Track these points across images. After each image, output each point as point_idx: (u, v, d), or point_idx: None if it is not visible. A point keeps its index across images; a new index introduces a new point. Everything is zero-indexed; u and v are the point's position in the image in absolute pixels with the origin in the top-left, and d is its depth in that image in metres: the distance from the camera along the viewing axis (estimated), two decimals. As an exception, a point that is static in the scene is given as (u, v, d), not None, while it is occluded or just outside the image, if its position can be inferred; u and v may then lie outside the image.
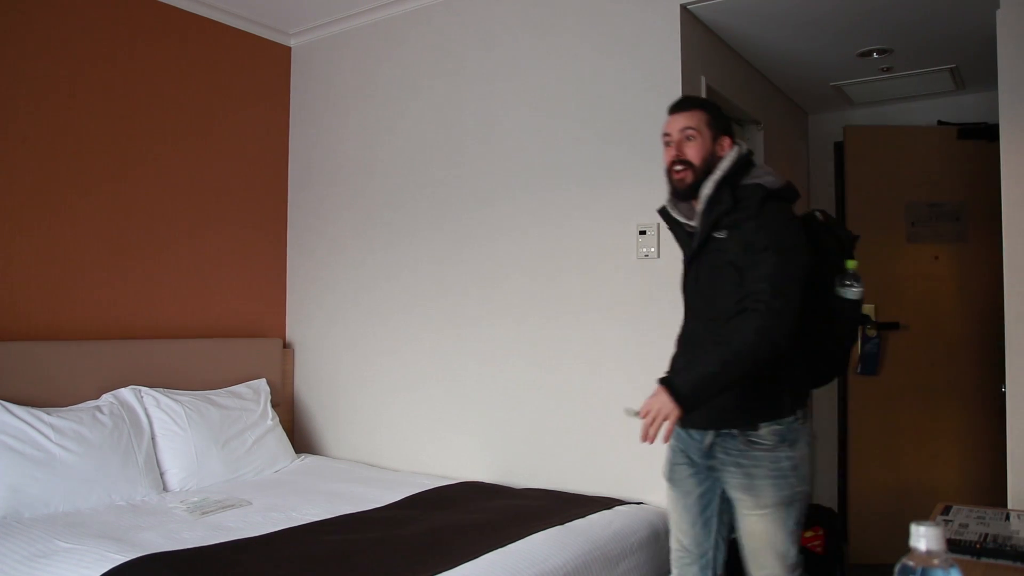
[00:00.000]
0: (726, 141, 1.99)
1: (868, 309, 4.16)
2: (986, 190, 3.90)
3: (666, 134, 1.98)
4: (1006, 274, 2.43)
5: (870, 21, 3.08)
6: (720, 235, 1.89)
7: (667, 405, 1.76)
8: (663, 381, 1.80)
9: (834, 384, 4.34)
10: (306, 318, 3.84)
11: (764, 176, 1.92)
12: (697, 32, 2.99)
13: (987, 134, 3.79)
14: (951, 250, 4.05)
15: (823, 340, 1.97)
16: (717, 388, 1.78)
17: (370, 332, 3.60)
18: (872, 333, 4.07)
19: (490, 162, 3.20)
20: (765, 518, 1.87)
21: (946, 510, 1.89)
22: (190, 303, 3.49)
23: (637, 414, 1.79)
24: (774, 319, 1.76)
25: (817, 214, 2.02)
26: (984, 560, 1.54)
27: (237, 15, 3.65)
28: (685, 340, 2.05)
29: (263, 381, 3.57)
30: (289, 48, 3.95)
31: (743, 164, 1.94)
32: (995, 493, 3.07)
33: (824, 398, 4.37)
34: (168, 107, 3.42)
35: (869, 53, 3.41)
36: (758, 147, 3.69)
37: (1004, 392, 2.44)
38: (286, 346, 3.88)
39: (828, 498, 4.33)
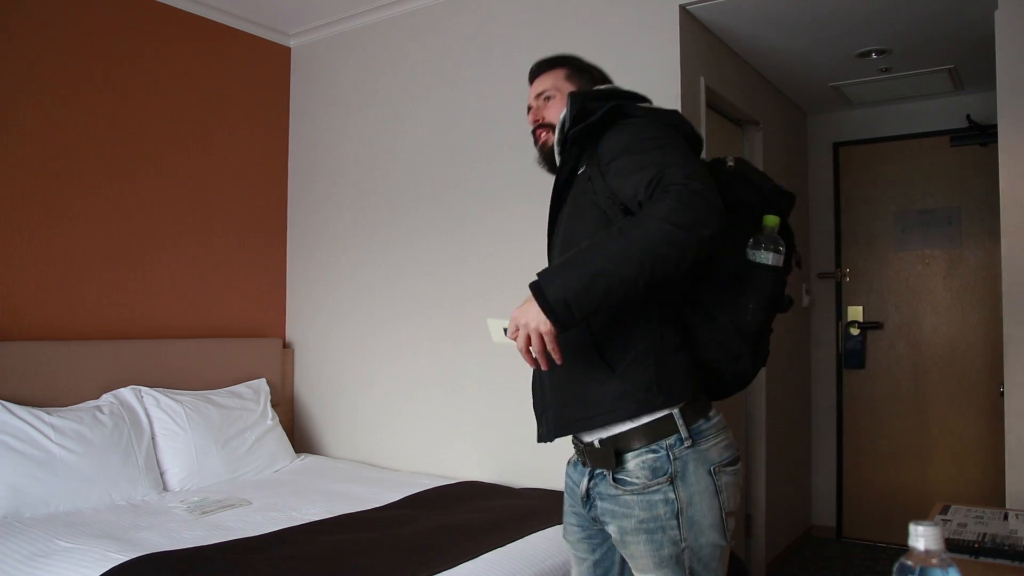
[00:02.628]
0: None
1: (855, 311, 4.24)
2: (979, 195, 3.93)
3: (528, 106, 1.74)
4: (1004, 275, 2.44)
5: (869, 22, 3.08)
6: (580, 170, 1.52)
7: (535, 317, 1.29)
8: (534, 285, 1.30)
9: (832, 384, 4.35)
10: (306, 318, 3.85)
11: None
12: (696, 32, 2.99)
13: (979, 139, 3.80)
14: (944, 255, 4.07)
15: (725, 324, 1.41)
16: (603, 294, 1.26)
17: (370, 332, 3.60)
18: (855, 331, 4.21)
19: (490, 162, 3.21)
20: None
21: (944, 509, 1.89)
22: (190, 303, 3.49)
23: (506, 333, 1.38)
24: (694, 199, 1.25)
25: (729, 161, 1.50)
26: (982, 560, 1.54)
27: (237, 15, 3.65)
28: None
29: (263, 381, 3.57)
30: (289, 48, 3.95)
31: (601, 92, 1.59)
32: (993, 493, 3.08)
33: (824, 398, 4.38)
34: (168, 107, 3.43)
35: (868, 54, 3.41)
36: (757, 147, 3.70)
37: (1002, 392, 2.45)
38: (286, 346, 3.88)
39: (828, 498, 4.34)
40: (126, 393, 3.04)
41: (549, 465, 3.03)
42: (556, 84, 1.69)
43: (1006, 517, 1.83)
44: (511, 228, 3.14)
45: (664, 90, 2.84)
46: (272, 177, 3.88)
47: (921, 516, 1.55)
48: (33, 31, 3.00)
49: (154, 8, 3.38)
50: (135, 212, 3.30)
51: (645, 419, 1.39)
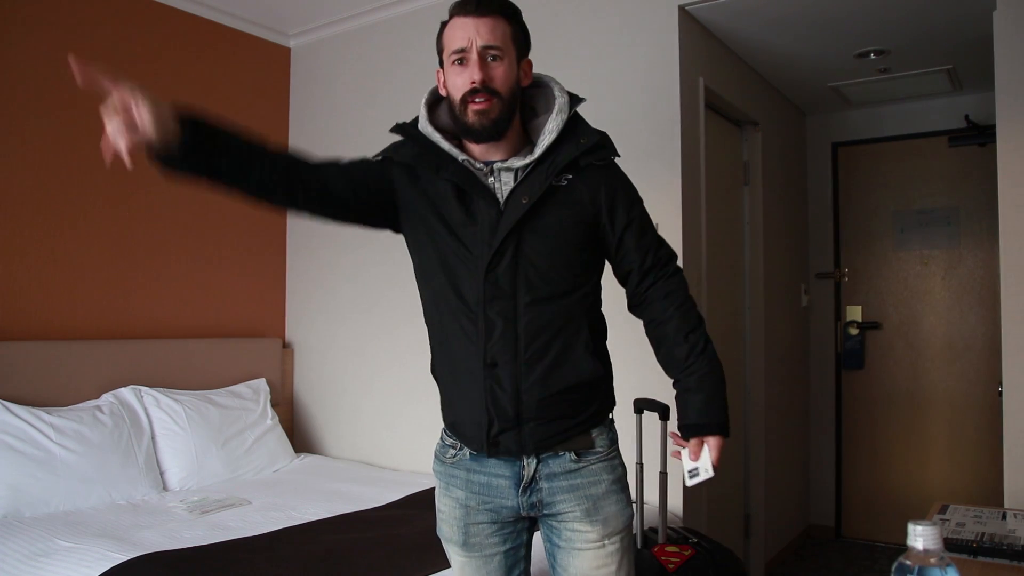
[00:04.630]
0: (527, 64, 1.54)
1: (854, 311, 4.26)
2: (977, 195, 3.94)
3: (460, 50, 1.45)
4: (1002, 275, 2.44)
5: (867, 22, 3.09)
6: (561, 183, 1.43)
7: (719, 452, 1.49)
8: (709, 429, 1.46)
9: (831, 384, 4.36)
10: (306, 318, 3.85)
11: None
12: (695, 33, 3.00)
13: (978, 139, 3.81)
14: (943, 255, 4.08)
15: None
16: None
17: (370, 332, 3.60)
18: (854, 331, 4.21)
19: (489, 162, 3.21)
20: (614, 548, 1.47)
21: (943, 509, 1.89)
22: (190, 303, 3.49)
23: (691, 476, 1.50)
24: (685, 282, 1.57)
25: None
26: (981, 559, 1.55)
27: (237, 16, 3.65)
28: (517, 334, 1.41)
29: (263, 381, 3.57)
30: (289, 49, 3.95)
31: (574, 97, 1.54)
32: (991, 493, 3.08)
33: (823, 398, 4.38)
34: (168, 107, 3.43)
35: (867, 54, 3.42)
36: (756, 148, 3.70)
37: (1000, 392, 2.46)
38: (286, 346, 3.88)
39: (827, 498, 4.35)
40: (126, 393, 3.05)
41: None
42: (505, 43, 1.45)
43: (1004, 517, 1.83)
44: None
45: (663, 90, 2.84)
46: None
47: (920, 515, 1.56)
48: (33, 33, 3.00)
49: (154, 8, 3.39)
50: (135, 212, 3.30)
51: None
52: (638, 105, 2.88)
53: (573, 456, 1.46)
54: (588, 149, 1.45)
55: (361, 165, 1.57)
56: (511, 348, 1.41)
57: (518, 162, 1.44)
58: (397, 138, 1.57)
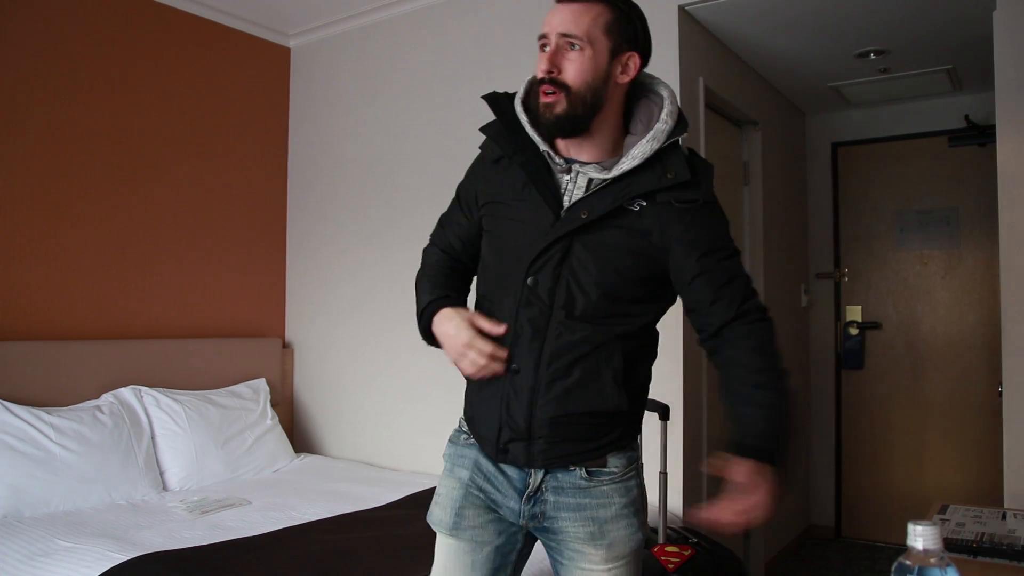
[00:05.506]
0: (634, 60, 1.36)
1: (854, 311, 4.26)
2: (977, 195, 3.95)
3: (542, 35, 1.36)
4: (1002, 275, 2.44)
5: (867, 22, 3.09)
6: (633, 207, 1.33)
7: (769, 498, 1.30)
8: (758, 455, 1.31)
9: (831, 384, 4.36)
10: (306, 318, 3.85)
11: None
12: (695, 33, 3.00)
13: (978, 139, 3.81)
14: (942, 255, 4.08)
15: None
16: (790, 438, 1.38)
17: (370, 331, 3.60)
18: (854, 331, 4.23)
19: (489, 162, 3.21)
20: (619, 573, 1.40)
21: (943, 509, 1.89)
22: (190, 303, 3.49)
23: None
24: (774, 333, 1.38)
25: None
26: (981, 559, 1.55)
27: (237, 16, 3.65)
28: (553, 356, 1.34)
29: (263, 381, 3.57)
30: (288, 49, 3.95)
31: (682, 120, 1.39)
32: (991, 493, 3.08)
33: (823, 398, 4.38)
34: (168, 108, 3.43)
35: (866, 54, 3.42)
36: (756, 148, 3.70)
37: (1000, 392, 2.46)
38: (286, 346, 3.88)
39: (826, 498, 4.35)
40: (126, 393, 3.05)
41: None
42: (591, 32, 1.31)
43: (1004, 517, 1.83)
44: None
45: (663, 90, 2.84)
46: (272, 177, 3.88)
47: (919, 516, 1.55)
48: (33, 33, 3.00)
49: (154, 8, 3.38)
50: (135, 212, 3.30)
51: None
52: (638, 105, 2.88)
53: (583, 474, 1.38)
54: (670, 186, 1.33)
55: (459, 225, 1.55)
56: (535, 359, 1.34)
57: (595, 172, 1.34)
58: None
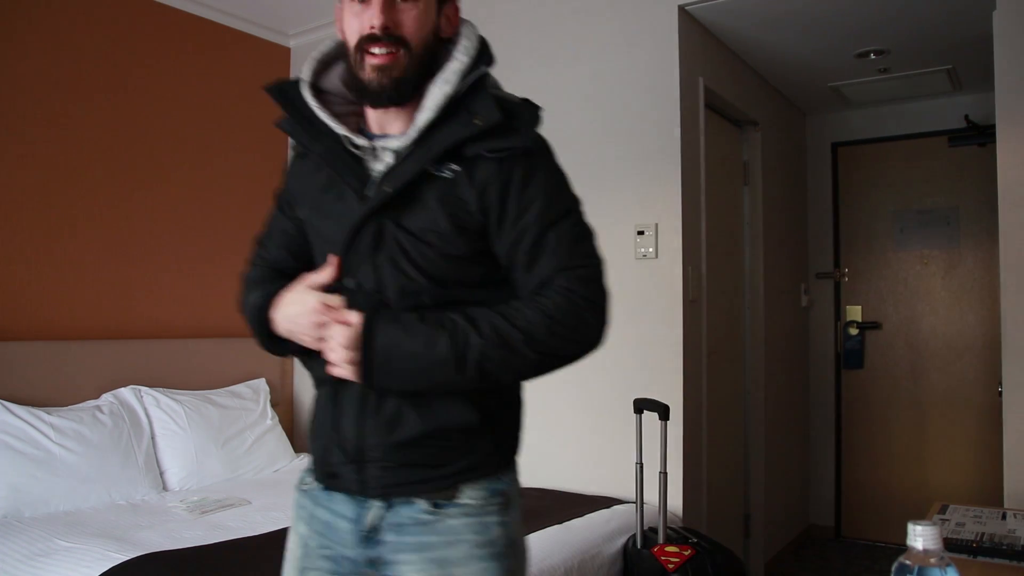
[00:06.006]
0: (455, 10, 1.22)
1: (854, 311, 4.27)
2: (977, 195, 3.95)
3: None
4: (1002, 275, 2.44)
5: (867, 22, 3.09)
6: (444, 173, 1.10)
7: (349, 338, 1.06)
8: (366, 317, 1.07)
9: (831, 384, 4.36)
10: (305, 318, 3.84)
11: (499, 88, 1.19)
12: (695, 33, 3.00)
13: (978, 139, 3.82)
14: (942, 255, 4.08)
15: None
16: (439, 377, 1.07)
17: (369, 332, 3.59)
18: (854, 331, 4.24)
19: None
20: None
21: (943, 509, 1.89)
22: (190, 303, 3.49)
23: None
24: (597, 317, 1.11)
25: None
26: (981, 559, 1.55)
27: (237, 16, 3.65)
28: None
29: (263, 381, 3.57)
30: (288, 49, 3.95)
31: (483, 56, 1.18)
32: (991, 493, 3.08)
33: (823, 398, 4.38)
34: (168, 108, 3.43)
35: (866, 54, 3.42)
36: (756, 148, 3.70)
37: (1000, 392, 2.46)
38: (285, 346, 3.88)
39: (826, 498, 4.35)
40: (126, 393, 3.04)
41: (548, 465, 3.03)
42: None
43: (1004, 517, 1.83)
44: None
45: (663, 91, 2.84)
46: (272, 177, 3.85)
47: (919, 516, 1.56)
48: (33, 33, 3.00)
49: (154, 9, 3.38)
50: (135, 212, 3.30)
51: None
52: (638, 105, 2.89)
53: (428, 506, 1.12)
54: (478, 134, 1.08)
55: (284, 233, 1.31)
56: None
57: (397, 143, 1.13)
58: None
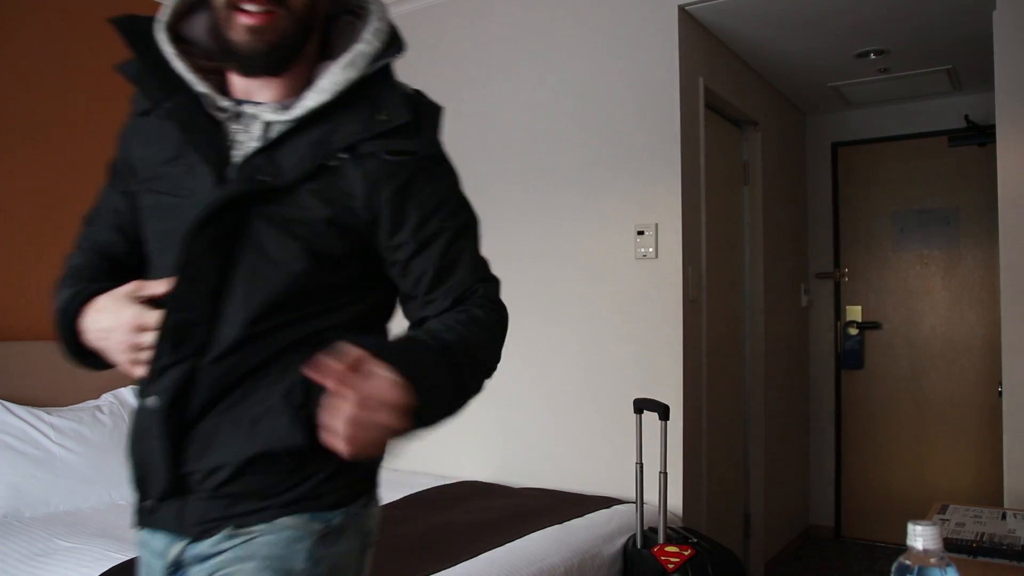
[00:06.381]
0: None
1: (853, 311, 4.27)
2: (977, 195, 3.95)
3: None
4: (1002, 275, 2.44)
5: (867, 22, 3.09)
6: (332, 161, 0.97)
7: (393, 394, 0.84)
8: (388, 354, 0.87)
9: (830, 384, 4.36)
10: (305, 318, 3.84)
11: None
12: (695, 33, 3.00)
13: (978, 139, 3.82)
14: (942, 255, 4.08)
15: None
16: (453, 407, 1.02)
17: (369, 332, 3.59)
18: (854, 331, 4.25)
19: (488, 162, 3.21)
20: None
21: (943, 509, 1.89)
22: (189, 303, 3.49)
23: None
24: (503, 332, 1.06)
25: None
26: (981, 559, 1.55)
27: None
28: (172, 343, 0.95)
29: (262, 381, 3.57)
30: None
31: (395, 42, 1.02)
32: (991, 493, 3.08)
33: (823, 398, 4.38)
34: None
35: (866, 54, 3.42)
36: (755, 148, 3.70)
37: (1000, 392, 2.46)
38: (285, 346, 3.88)
39: (826, 498, 4.35)
40: (126, 393, 3.04)
41: (549, 465, 3.03)
42: None
43: (1004, 517, 1.83)
44: (509, 228, 3.14)
45: (663, 91, 2.84)
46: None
47: (919, 516, 1.56)
48: (34, 32, 3.00)
49: (154, 9, 3.38)
50: (135, 212, 3.30)
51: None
52: (638, 105, 2.89)
53: (232, 529, 0.97)
54: (381, 133, 0.97)
55: (116, 212, 1.16)
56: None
57: (271, 113, 0.98)
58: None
